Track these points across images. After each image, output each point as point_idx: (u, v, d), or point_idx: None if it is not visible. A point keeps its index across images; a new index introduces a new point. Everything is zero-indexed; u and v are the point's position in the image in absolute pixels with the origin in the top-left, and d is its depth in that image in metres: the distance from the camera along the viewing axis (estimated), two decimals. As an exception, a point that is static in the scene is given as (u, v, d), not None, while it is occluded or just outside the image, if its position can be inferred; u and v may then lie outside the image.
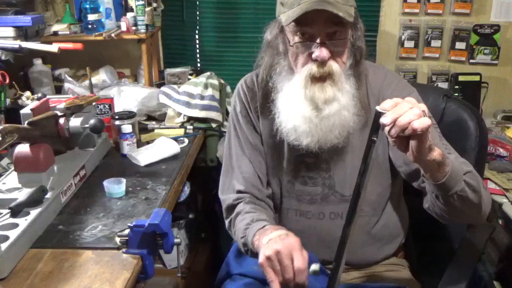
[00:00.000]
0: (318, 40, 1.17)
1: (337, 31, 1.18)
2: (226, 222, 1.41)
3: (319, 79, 1.20)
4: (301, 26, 1.18)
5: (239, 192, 1.40)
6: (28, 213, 1.30)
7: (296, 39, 1.20)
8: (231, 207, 1.40)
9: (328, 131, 1.23)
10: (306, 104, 1.22)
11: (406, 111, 0.92)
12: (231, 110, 1.47)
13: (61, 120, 1.58)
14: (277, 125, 1.28)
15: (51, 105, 1.63)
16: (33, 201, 1.33)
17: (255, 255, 1.22)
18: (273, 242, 1.11)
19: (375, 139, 0.95)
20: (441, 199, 1.13)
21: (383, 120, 0.93)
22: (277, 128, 1.30)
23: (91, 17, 2.33)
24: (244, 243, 1.27)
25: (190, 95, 2.22)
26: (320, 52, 1.17)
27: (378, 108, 0.95)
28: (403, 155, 1.04)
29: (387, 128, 0.94)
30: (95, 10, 2.34)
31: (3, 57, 1.90)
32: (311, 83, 1.20)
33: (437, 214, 1.20)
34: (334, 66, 1.19)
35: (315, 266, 1.10)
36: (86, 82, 2.19)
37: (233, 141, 1.44)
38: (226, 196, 1.43)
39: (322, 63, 1.18)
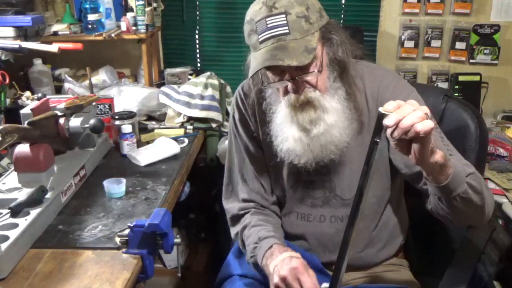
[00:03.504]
0: (287, 77, 1.19)
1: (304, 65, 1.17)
2: (232, 232, 1.43)
3: (300, 105, 1.21)
4: (268, 68, 1.19)
5: (243, 201, 1.41)
6: (28, 213, 1.30)
7: (270, 75, 1.22)
8: (237, 218, 1.41)
9: (322, 149, 1.24)
10: (294, 127, 1.23)
11: (409, 113, 0.91)
12: (230, 118, 1.47)
13: (61, 120, 1.58)
14: (276, 147, 1.29)
15: (51, 105, 1.63)
16: (33, 201, 1.33)
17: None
18: (278, 268, 1.19)
19: (377, 140, 0.94)
20: (444, 201, 1.13)
21: (386, 121, 0.92)
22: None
23: (91, 17, 2.33)
24: (254, 263, 1.31)
25: (190, 95, 2.22)
26: (292, 87, 1.20)
27: (381, 109, 0.94)
28: (404, 157, 1.04)
29: (389, 130, 0.93)
30: (95, 10, 2.34)
31: (3, 57, 1.90)
32: (295, 110, 1.22)
33: (440, 215, 1.20)
34: (310, 93, 1.20)
35: (325, 285, 1.12)
36: (86, 82, 2.19)
37: (234, 150, 1.44)
38: (230, 205, 1.44)
39: (297, 94, 1.20)
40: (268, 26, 1.15)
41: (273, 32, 1.14)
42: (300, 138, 1.23)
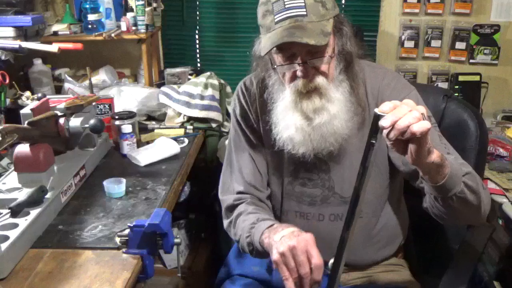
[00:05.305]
0: (298, 60, 1.19)
1: (317, 49, 1.18)
2: (225, 222, 1.41)
3: (307, 93, 1.21)
4: (280, 50, 1.19)
5: (239, 193, 1.40)
6: (28, 213, 1.30)
7: (279, 60, 1.22)
8: (231, 207, 1.40)
9: (322, 140, 1.24)
10: (297, 115, 1.23)
11: (405, 114, 0.91)
12: (231, 113, 1.48)
13: (61, 120, 1.58)
14: (275, 135, 1.29)
15: (51, 105, 1.63)
16: (33, 201, 1.33)
17: (260, 254, 1.24)
18: (286, 238, 1.12)
19: (374, 142, 0.93)
20: (440, 201, 1.13)
21: (382, 123, 0.91)
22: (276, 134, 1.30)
23: (91, 17, 2.33)
24: (249, 242, 1.27)
25: (190, 95, 2.22)
26: (302, 71, 1.19)
27: (376, 110, 0.93)
28: (401, 155, 1.04)
29: (385, 131, 0.93)
30: (95, 10, 2.35)
31: (3, 57, 1.90)
32: (300, 97, 1.22)
33: (436, 215, 1.20)
34: (319, 80, 1.21)
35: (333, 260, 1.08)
36: (86, 82, 2.19)
37: (233, 143, 1.44)
38: (226, 197, 1.43)
39: (306, 79, 1.20)
40: (286, 6, 1.16)
41: (291, 12, 1.15)
42: (302, 126, 1.23)
